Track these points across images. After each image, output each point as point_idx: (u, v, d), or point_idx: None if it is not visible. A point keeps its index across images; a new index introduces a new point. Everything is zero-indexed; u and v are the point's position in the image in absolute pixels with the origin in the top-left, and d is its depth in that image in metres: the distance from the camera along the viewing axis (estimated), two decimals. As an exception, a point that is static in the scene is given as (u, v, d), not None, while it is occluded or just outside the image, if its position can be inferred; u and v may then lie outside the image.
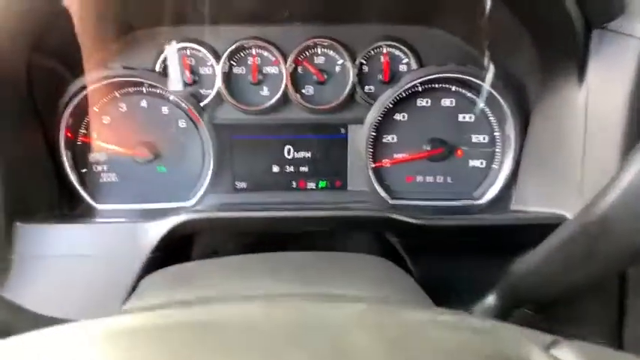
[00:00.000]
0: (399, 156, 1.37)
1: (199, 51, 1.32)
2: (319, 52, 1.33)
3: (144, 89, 1.32)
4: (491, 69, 1.27)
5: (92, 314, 1.08)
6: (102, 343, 0.51)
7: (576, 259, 0.77)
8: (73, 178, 1.32)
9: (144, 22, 1.30)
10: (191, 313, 0.56)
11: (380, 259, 0.98)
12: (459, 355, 0.46)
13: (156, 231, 1.11)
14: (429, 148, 1.34)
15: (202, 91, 1.34)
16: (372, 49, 1.32)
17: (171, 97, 1.32)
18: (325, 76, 1.34)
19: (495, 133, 1.33)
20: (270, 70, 1.34)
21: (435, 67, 1.28)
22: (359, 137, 1.35)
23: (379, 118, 1.32)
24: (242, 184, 1.40)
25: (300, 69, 1.34)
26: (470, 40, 1.31)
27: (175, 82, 1.31)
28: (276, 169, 1.39)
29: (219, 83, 1.32)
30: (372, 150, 1.35)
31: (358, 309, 0.56)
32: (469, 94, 1.32)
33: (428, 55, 1.32)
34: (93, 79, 1.27)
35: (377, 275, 0.88)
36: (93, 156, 1.36)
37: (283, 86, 1.32)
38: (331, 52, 1.33)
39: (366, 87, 1.34)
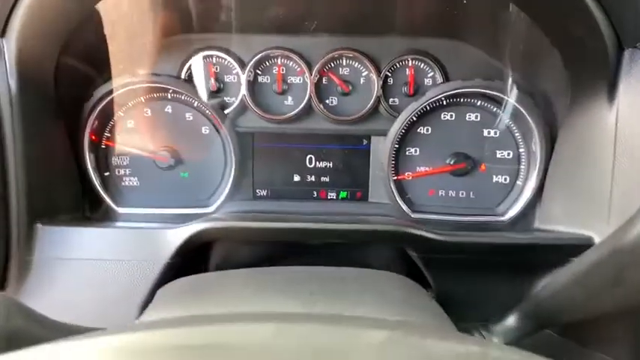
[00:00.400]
0: (421, 169, 1.36)
1: (225, 59, 1.33)
2: (344, 63, 1.33)
3: (169, 95, 1.34)
4: (519, 85, 1.26)
5: (109, 318, 1.09)
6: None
7: (604, 285, 0.75)
8: (95, 181, 1.33)
9: (172, 29, 1.31)
10: (203, 333, 0.55)
11: (400, 276, 0.96)
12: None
13: (176, 237, 1.11)
14: (452, 163, 1.33)
15: (227, 99, 1.35)
16: (398, 62, 1.32)
17: (196, 104, 1.34)
18: (350, 88, 1.34)
19: (520, 150, 1.32)
20: (295, 79, 1.34)
21: (460, 81, 1.28)
22: (381, 149, 1.34)
23: (402, 131, 1.32)
24: (262, 192, 1.40)
25: (324, 79, 1.34)
26: (496, 55, 1.30)
27: (202, 90, 1.32)
28: (297, 178, 1.39)
29: (243, 91, 1.32)
30: (394, 162, 1.35)
31: (380, 337, 0.55)
32: (494, 109, 1.31)
33: (453, 68, 1.32)
34: (120, 85, 1.29)
35: (398, 295, 0.87)
36: (116, 159, 1.37)
37: (307, 96, 1.33)
38: (356, 64, 1.33)
39: (391, 99, 1.34)
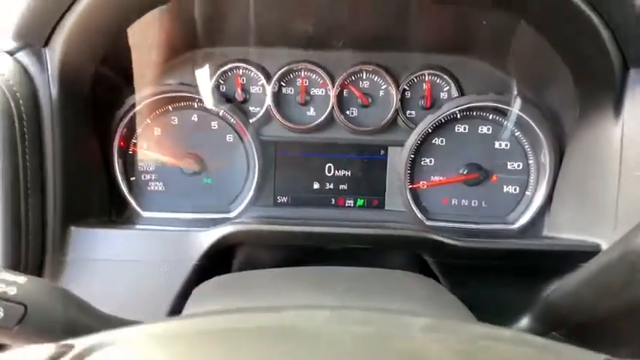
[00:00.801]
0: (435, 179, 1.42)
1: (251, 71, 1.39)
2: (365, 77, 1.40)
3: (195, 104, 1.40)
4: (529, 100, 1.33)
5: (139, 316, 1.13)
6: (175, 344, 0.54)
7: (615, 287, 0.81)
8: (122, 185, 1.38)
9: (201, 43, 1.38)
10: (262, 318, 0.60)
11: (423, 277, 1.02)
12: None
13: (205, 240, 1.17)
14: (465, 173, 1.40)
15: (252, 109, 1.41)
16: (415, 77, 1.39)
17: (221, 113, 1.39)
18: (369, 100, 1.40)
19: (530, 161, 1.39)
20: (318, 91, 1.41)
21: (475, 95, 1.35)
22: (398, 159, 1.41)
23: (418, 142, 1.38)
24: (283, 199, 1.46)
25: (345, 92, 1.41)
26: (508, 71, 1.36)
27: (221, 99, 1.39)
28: (316, 185, 1.45)
29: (268, 102, 1.39)
30: (410, 172, 1.41)
31: (422, 323, 0.60)
32: (506, 122, 1.38)
33: (468, 83, 1.38)
34: (150, 94, 1.35)
35: (425, 293, 0.92)
36: (142, 165, 1.43)
37: (329, 108, 1.39)
38: (376, 78, 1.40)
39: (408, 112, 1.40)
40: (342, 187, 1.45)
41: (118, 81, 1.33)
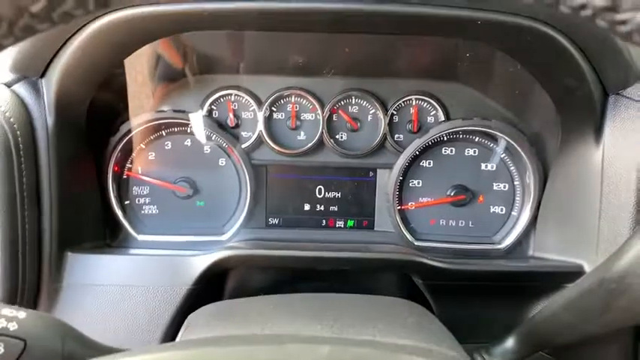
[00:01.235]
0: (423, 200, 1.45)
1: (243, 97, 1.42)
2: (354, 102, 1.43)
3: (188, 129, 1.42)
4: (513, 124, 1.37)
5: (134, 343, 1.15)
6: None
7: (594, 311, 0.84)
8: (117, 209, 1.39)
9: (195, 70, 1.41)
10: (264, 351, 0.62)
11: (411, 303, 1.03)
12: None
13: (199, 264, 1.19)
14: (452, 194, 1.43)
15: (243, 134, 1.44)
16: (403, 101, 1.42)
17: (214, 137, 1.42)
18: (358, 124, 1.43)
19: (516, 182, 1.42)
20: (308, 116, 1.44)
21: (460, 120, 1.38)
22: (387, 181, 1.44)
23: (406, 164, 1.41)
24: (274, 220, 1.49)
25: (335, 117, 1.44)
26: (493, 97, 1.40)
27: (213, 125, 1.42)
28: (307, 207, 1.48)
29: (260, 127, 1.41)
30: (398, 193, 1.44)
31: None
32: (491, 145, 1.42)
33: (454, 108, 1.42)
34: (144, 120, 1.37)
35: (413, 320, 0.94)
36: (136, 189, 1.45)
37: (319, 132, 1.42)
38: (365, 103, 1.43)
39: (396, 135, 1.44)
40: (332, 208, 1.48)
41: (113, 109, 1.36)
